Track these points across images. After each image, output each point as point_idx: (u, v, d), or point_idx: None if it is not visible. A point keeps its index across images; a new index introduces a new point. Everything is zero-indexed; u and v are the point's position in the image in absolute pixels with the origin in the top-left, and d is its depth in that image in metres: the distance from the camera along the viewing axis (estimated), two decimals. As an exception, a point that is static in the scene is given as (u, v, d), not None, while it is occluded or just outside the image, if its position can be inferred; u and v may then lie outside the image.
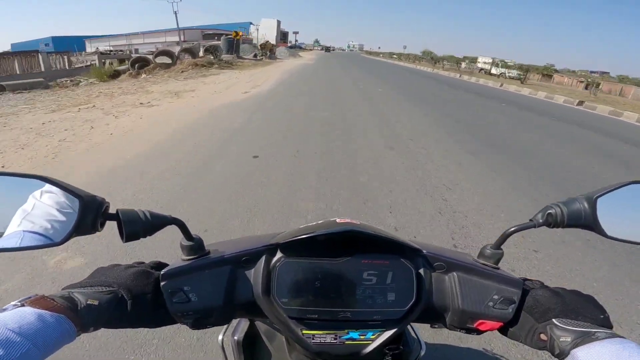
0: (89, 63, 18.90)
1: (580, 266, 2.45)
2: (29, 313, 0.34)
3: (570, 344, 0.39)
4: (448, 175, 4.09)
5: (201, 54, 20.09)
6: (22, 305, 0.35)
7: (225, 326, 0.67)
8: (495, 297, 0.46)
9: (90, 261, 2.14)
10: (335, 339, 0.46)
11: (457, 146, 5.45)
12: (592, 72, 52.37)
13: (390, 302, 0.46)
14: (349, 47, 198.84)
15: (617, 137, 7.82)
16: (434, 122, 7.43)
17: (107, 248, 2.26)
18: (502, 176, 4.23)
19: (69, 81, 12.72)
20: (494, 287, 0.46)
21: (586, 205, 0.46)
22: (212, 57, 18.88)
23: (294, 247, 0.45)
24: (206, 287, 0.45)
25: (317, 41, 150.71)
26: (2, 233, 0.39)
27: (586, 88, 23.43)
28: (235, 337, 0.69)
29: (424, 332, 0.56)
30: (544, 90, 18.46)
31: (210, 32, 41.80)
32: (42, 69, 15.06)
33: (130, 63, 15.50)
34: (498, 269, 0.49)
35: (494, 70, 33.01)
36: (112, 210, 0.42)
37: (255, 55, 28.91)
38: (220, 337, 0.71)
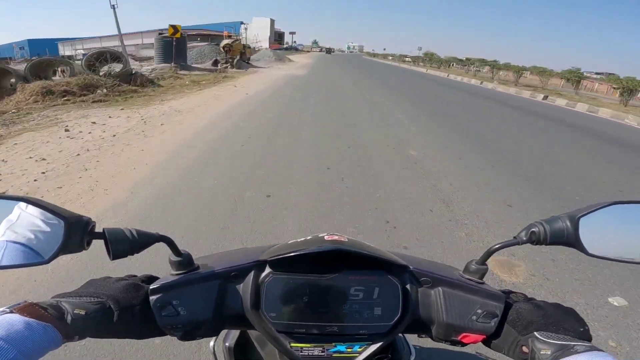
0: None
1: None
2: (17, 320, 0.35)
3: (550, 357, 0.40)
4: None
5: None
6: (11, 312, 0.36)
7: None
8: (479, 311, 0.47)
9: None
10: (322, 351, 0.47)
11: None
12: (597, 73, 50.81)
13: (376, 316, 0.47)
14: (348, 48, 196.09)
15: None
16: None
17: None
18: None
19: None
20: (477, 301, 0.47)
21: (569, 224, 0.47)
22: (100, 77, 9.56)
23: (282, 264, 0.46)
24: (195, 301, 0.45)
25: (315, 42, 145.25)
26: None
27: (622, 95, 16.11)
28: (227, 344, 0.69)
29: (414, 337, 0.57)
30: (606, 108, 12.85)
31: (194, 33, 33.28)
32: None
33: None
34: (483, 283, 0.50)
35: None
36: (98, 229, 0.43)
37: (215, 63, 19.26)
38: (211, 344, 0.71)
